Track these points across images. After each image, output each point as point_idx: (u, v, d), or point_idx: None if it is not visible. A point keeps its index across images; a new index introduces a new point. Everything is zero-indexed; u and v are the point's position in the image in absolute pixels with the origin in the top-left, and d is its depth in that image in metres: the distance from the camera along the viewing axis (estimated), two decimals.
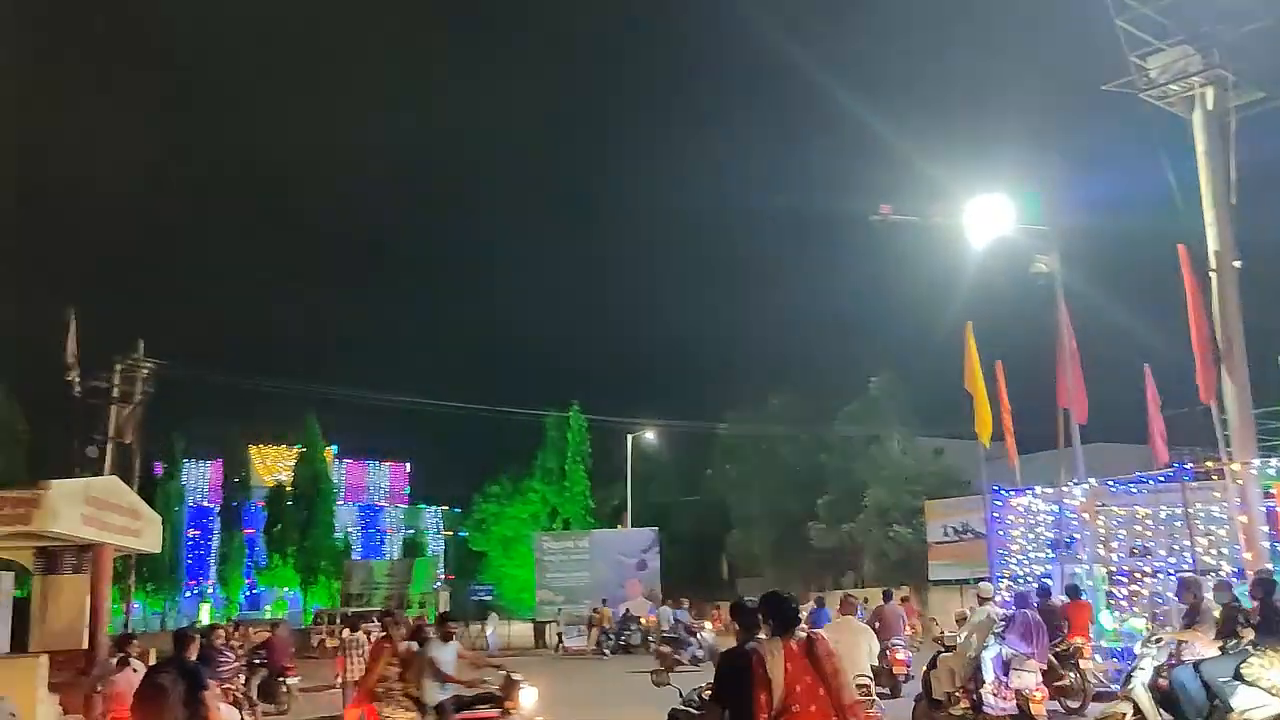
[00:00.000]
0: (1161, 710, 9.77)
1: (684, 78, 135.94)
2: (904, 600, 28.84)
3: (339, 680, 19.49)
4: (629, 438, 48.47)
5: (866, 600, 16.55)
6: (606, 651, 34.58)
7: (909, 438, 43.49)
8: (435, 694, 10.53)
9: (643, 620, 36.19)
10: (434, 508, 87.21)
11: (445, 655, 10.75)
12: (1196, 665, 9.67)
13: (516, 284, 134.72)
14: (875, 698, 10.37)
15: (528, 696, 11.19)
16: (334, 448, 68.26)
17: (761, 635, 5.58)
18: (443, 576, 62.06)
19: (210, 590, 69.93)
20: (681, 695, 9.19)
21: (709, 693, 6.69)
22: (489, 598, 57.83)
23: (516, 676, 11.34)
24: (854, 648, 10.12)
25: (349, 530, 72.75)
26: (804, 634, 5.60)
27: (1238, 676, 9.24)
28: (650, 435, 50.42)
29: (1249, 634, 9.72)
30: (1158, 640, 10.39)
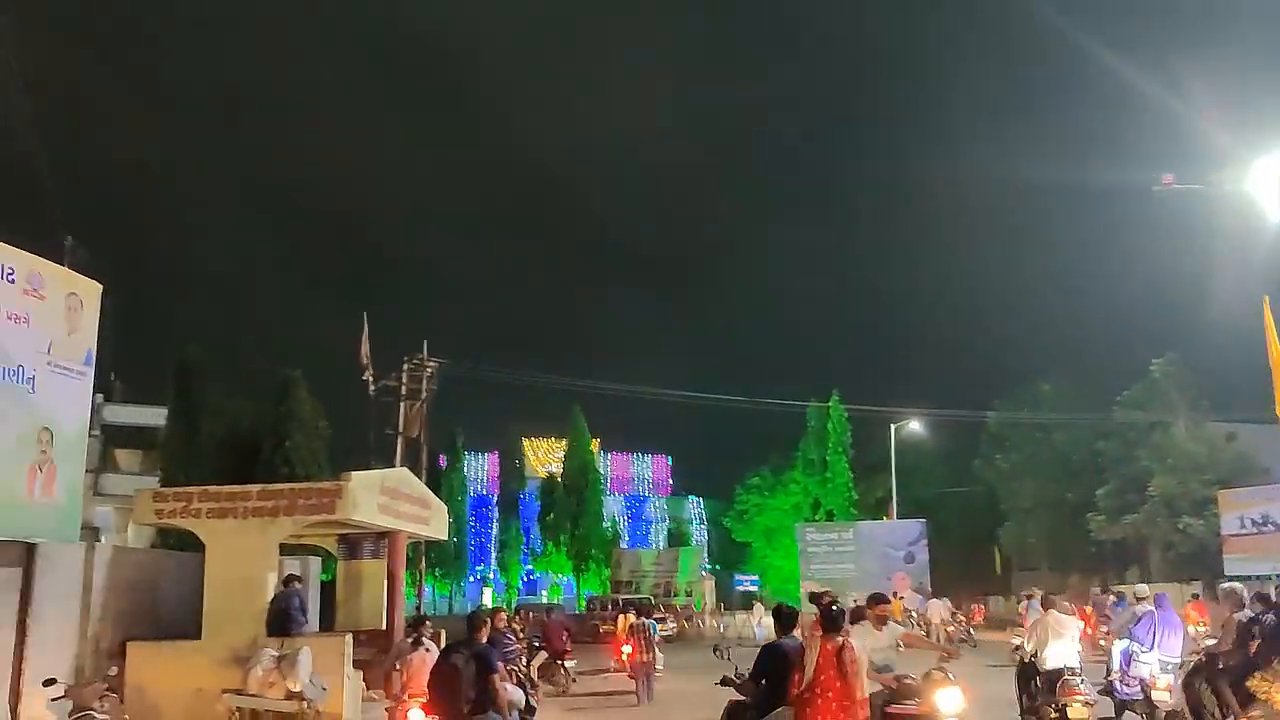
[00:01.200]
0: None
1: (942, 50, 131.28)
2: (1194, 598, 26.80)
3: (625, 663, 20.58)
4: (892, 427, 47.48)
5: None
6: None
7: (1197, 423, 40.43)
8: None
9: (913, 614, 35.44)
10: (696, 499, 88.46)
11: (880, 643, 9.92)
12: (1206, 675, 10.24)
13: (774, 273, 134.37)
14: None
15: (947, 700, 9.51)
16: (599, 440, 70.39)
17: (796, 632, 7.91)
18: (707, 566, 62.86)
19: (491, 576, 73.68)
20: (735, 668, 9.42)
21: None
22: (753, 588, 58.14)
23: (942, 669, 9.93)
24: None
25: (616, 519, 74.86)
26: (839, 639, 7.30)
27: (1243, 688, 9.66)
28: (914, 425, 49.15)
29: (1255, 645, 9.96)
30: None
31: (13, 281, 12.11)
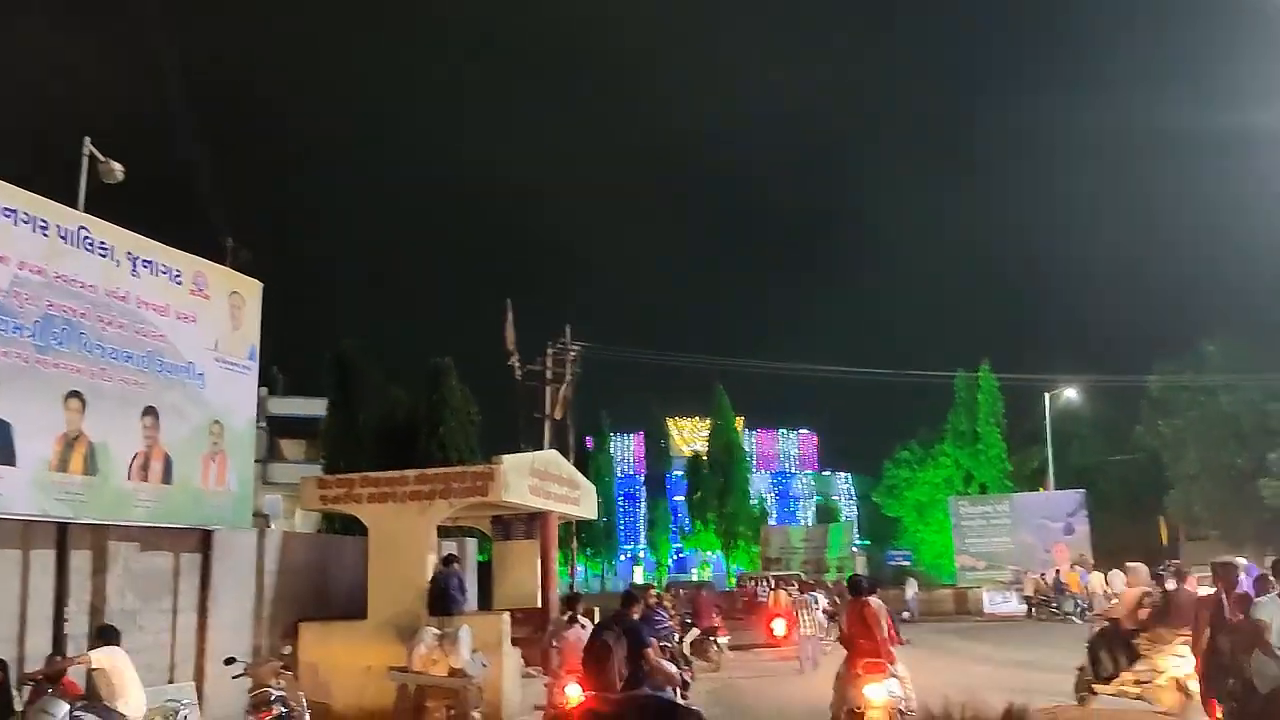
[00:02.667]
0: None
1: (1086, 5, 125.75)
2: None
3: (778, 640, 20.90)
4: (1046, 396, 45.94)
5: None
6: (1042, 616, 33.46)
7: None
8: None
9: (1068, 586, 34.39)
10: (844, 474, 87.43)
11: None
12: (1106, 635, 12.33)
13: (920, 244, 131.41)
14: None
15: None
16: (741, 418, 70.21)
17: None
18: (858, 542, 62.15)
19: (641, 554, 74.50)
20: None
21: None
22: (906, 563, 57.23)
23: None
24: None
25: (764, 496, 74.65)
26: (865, 599, 10.82)
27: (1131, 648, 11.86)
28: (1069, 392, 47.41)
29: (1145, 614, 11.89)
30: None
31: (180, 283, 12.78)
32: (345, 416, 33.94)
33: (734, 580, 50.14)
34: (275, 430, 44.56)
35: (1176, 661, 11.16)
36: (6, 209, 10.54)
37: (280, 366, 44.50)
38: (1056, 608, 33.47)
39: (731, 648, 22.22)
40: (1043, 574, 35.97)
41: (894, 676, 10.29)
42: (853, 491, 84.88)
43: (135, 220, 12.47)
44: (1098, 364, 60.38)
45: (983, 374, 51.42)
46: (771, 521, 69.30)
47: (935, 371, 51.79)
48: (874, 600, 10.88)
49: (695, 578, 59.98)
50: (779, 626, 25.03)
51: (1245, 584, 9.71)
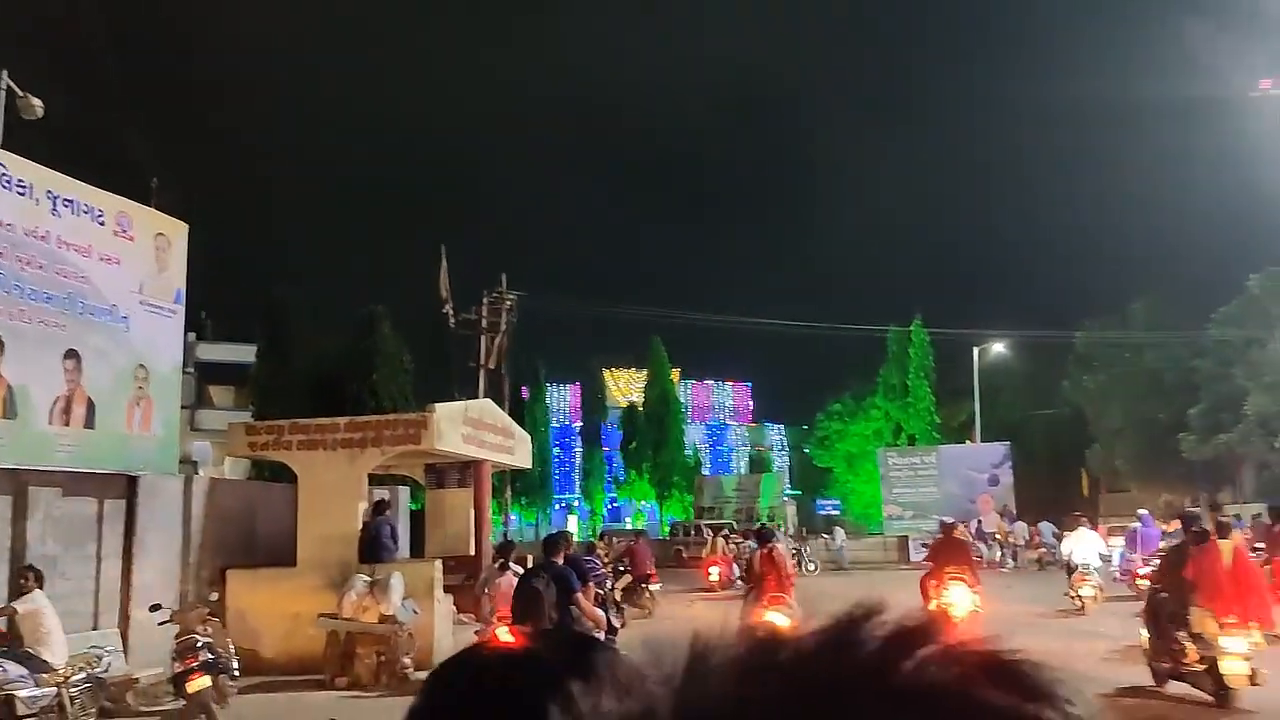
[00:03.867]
0: None
1: None
2: (1254, 518, 26.37)
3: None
4: (975, 350, 46.75)
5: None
6: None
7: None
8: None
9: (997, 535, 35.30)
10: (777, 426, 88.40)
11: None
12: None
13: (853, 197, 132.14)
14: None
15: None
16: (678, 370, 70.64)
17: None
18: (789, 491, 63.03)
19: (576, 504, 74.85)
20: None
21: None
22: (835, 512, 58.22)
23: None
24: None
25: (698, 447, 75.31)
26: (772, 545, 13.48)
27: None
28: (998, 347, 48.31)
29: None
30: None
31: (102, 224, 12.45)
32: (275, 363, 33.49)
33: (668, 529, 50.63)
34: (204, 376, 43.79)
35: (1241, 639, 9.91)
36: None
37: (209, 312, 43.67)
38: (979, 556, 34.34)
39: (667, 592, 22.53)
40: (966, 523, 36.86)
41: (790, 608, 12.36)
42: (785, 442, 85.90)
43: (56, 159, 12.11)
44: (1027, 321, 61.45)
45: (914, 328, 52.12)
46: (705, 472, 69.88)
47: (867, 326, 52.38)
48: (779, 547, 14.02)
49: (629, 526, 60.52)
50: (714, 573, 25.45)
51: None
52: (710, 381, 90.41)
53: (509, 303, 32.58)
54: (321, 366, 33.01)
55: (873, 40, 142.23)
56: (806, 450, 62.84)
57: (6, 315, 10.94)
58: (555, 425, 73.72)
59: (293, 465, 15.57)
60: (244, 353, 39.05)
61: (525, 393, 61.34)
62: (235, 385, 43.62)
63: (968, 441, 48.17)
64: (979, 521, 36.79)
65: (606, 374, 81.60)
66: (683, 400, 72.89)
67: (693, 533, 40.16)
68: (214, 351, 43.32)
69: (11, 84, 15.03)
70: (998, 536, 35.27)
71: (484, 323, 32.27)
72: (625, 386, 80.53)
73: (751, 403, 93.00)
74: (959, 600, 14.33)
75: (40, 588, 9.18)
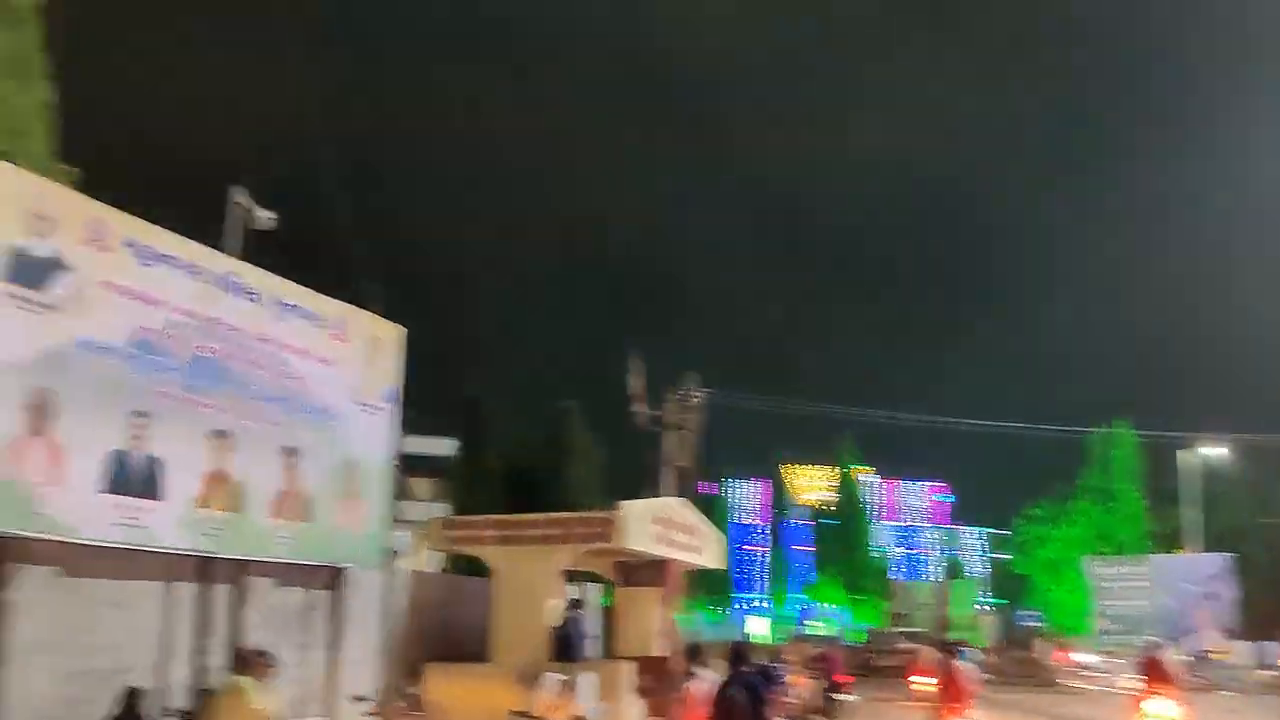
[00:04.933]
0: None
1: (1235, 51, 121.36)
2: None
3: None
4: (1177, 454, 43.93)
5: None
6: None
7: None
8: None
9: (1217, 654, 32.68)
10: (976, 529, 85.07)
11: None
12: None
13: (1051, 294, 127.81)
14: None
15: None
16: (871, 468, 69.11)
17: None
18: (987, 600, 60.23)
19: (761, 604, 73.62)
20: None
21: None
22: (1037, 623, 55.22)
23: None
24: None
25: (890, 549, 73.20)
26: (951, 660, 15.55)
27: None
28: (1212, 450, 45.26)
29: None
30: None
31: (322, 327, 13.22)
32: (472, 457, 34.61)
33: (865, 635, 48.97)
34: (405, 468, 45.60)
35: None
36: (163, 254, 11.07)
37: (412, 404, 45.57)
38: (1197, 677, 31.79)
39: (870, 700, 21.85)
40: (1178, 640, 34.25)
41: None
42: (985, 547, 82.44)
43: (282, 263, 12.98)
44: (1248, 423, 57.59)
45: (1121, 429, 49.57)
46: (897, 575, 67.70)
47: (1070, 427, 50.04)
48: (959, 662, 15.58)
49: (819, 631, 58.92)
50: (923, 682, 24.48)
51: None
52: (903, 481, 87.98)
53: (697, 399, 32.78)
54: (515, 460, 33.94)
55: (1080, 134, 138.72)
56: (1007, 556, 60.00)
57: (234, 415, 11.68)
58: (740, 522, 73.10)
59: (488, 560, 15.91)
60: (443, 445, 40.49)
61: (711, 489, 61.20)
62: (435, 477, 45.25)
63: (1178, 551, 45.14)
64: (1197, 639, 34.20)
65: (794, 470, 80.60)
66: (875, 500, 71.20)
67: (888, 640, 38.74)
68: (414, 444, 45.13)
69: (245, 198, 16.28)
70: (1218, 656, 32.64)
71: (671, 420, 32.50)
72: (811, 484, 79.24)
73: (948, 504, 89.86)
74: (1163, 712, 14.99)
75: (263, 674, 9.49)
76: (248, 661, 9.15)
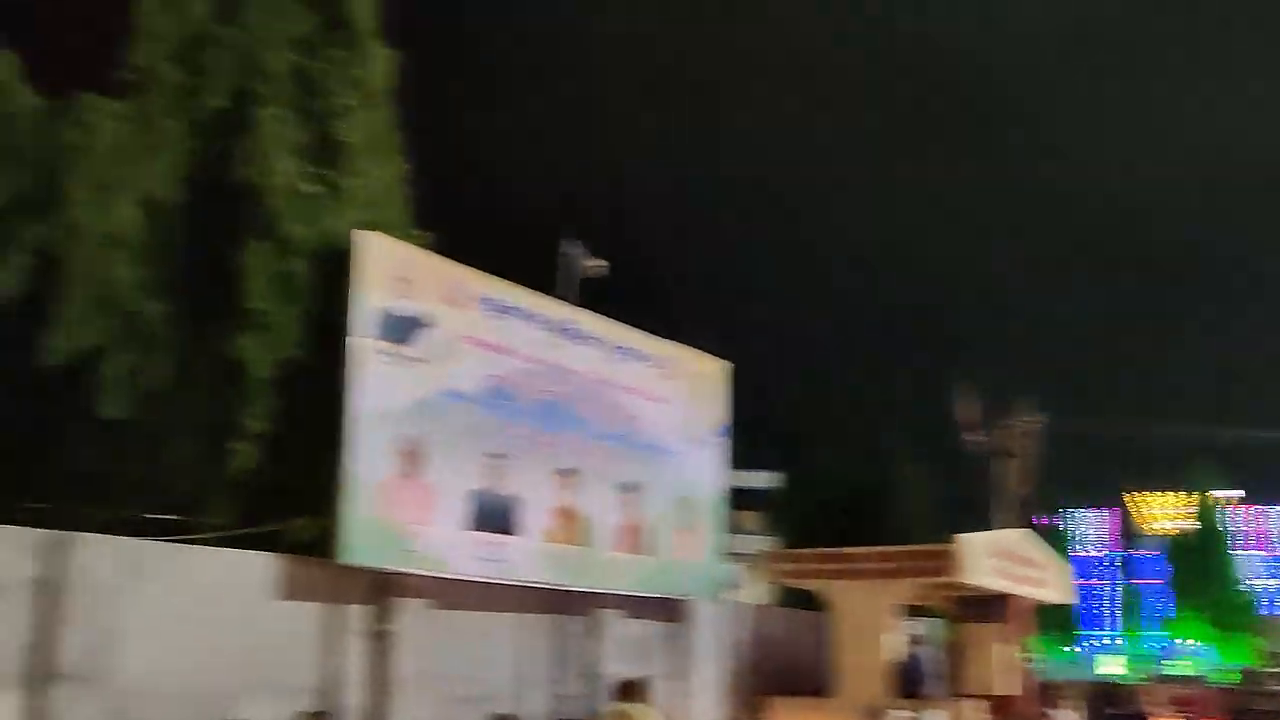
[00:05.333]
0: None
1: None
2: None
3: None
4: None
5: None
6: None
7: None
8: None
9: None
10: None
11: None
12: None
13: None
14: None
15: None
16: (1235, 493, 63.04)
17: None
18: None
19: (1112, 642, 68.54)
20: None
21: None
22: None
23: None
24: None
25: (1258, 581, 66.26)
26: None
27: None
28: None
29: None
30: None
31: (653, 367, 13.69)
32: (797, 490, 34.57)
33: (1238, 676, 44.45)
34: (734, 502, 46.10)
35: None
36: (510, 306, 11.89)
37: (735, 439, 46.12)
38: None
39: None
40: None
41: None
42: None
43: (612, 308, 13.57)
44: None
45: None
46: (1267, 610, 61.12)
47: None
48: None
49: (1182, 671, 54.08)
50: None
51: None
52: (1272, 507, 79.60)
53: (1031, 426, 31.14)
54: (841, 492, 33.53)
55: None
56: None
57: (578, 453, 12.30)
58: (1083, 554, 68.59)
59: (822, 594, 15.76)
60: (768, 479, 40.63)
61: (1048, 520, 57.91)
62: (760, 510, 45.49)
63: None
64: None
65: (1142, 498, 74.79)
66: (1238, 527, 64.85)
67: (1265, 681, 34.97)
68: (740, 478, 45.58)
69: (576, 250, 17.11)
70: None
71: (1004, 447, 31.03)
72: (1164, 511, 73.21)
73: None
74: None
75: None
76: (633, 690, 9.44)
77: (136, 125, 11.72)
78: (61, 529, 8.68)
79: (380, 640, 10.55)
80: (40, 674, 8.24)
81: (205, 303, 11.32)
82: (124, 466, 11.20)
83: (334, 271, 11.13)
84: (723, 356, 15.12)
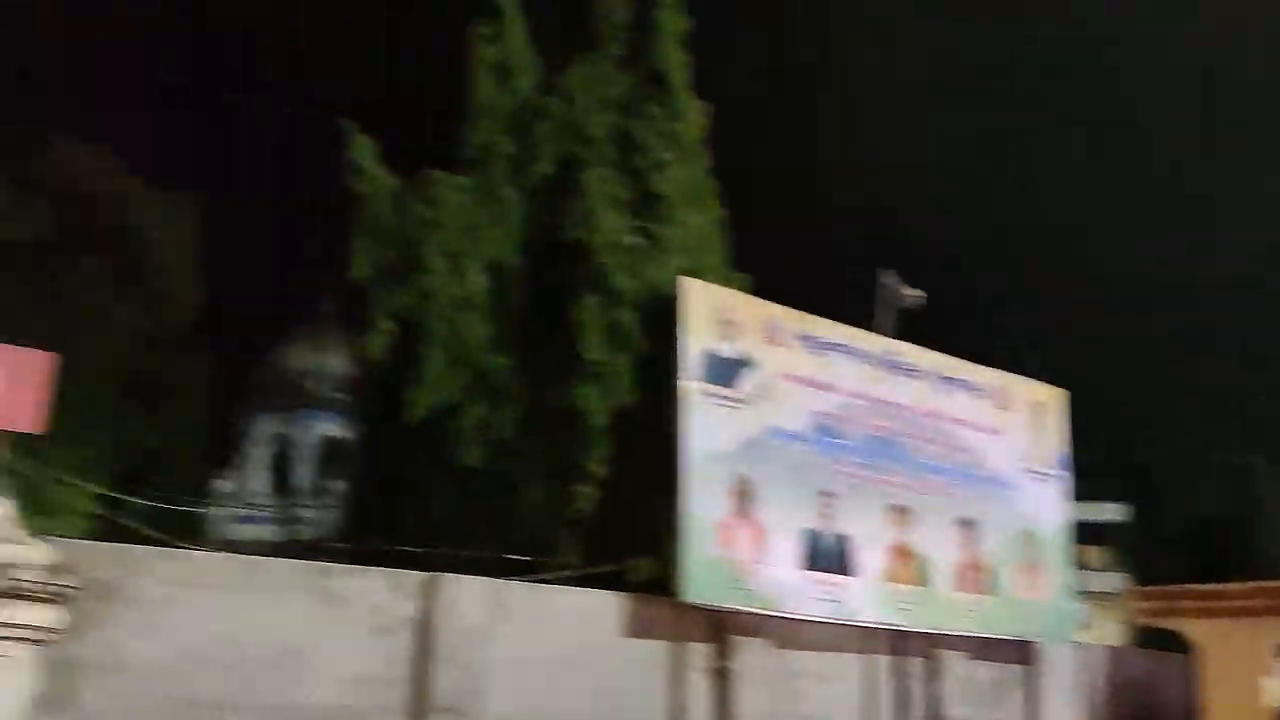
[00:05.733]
0: None
1: None
2: None
3: None
4: None
5: None
6: None
7: None
8: None
9: None
10: None
11: None
12: None
13: None
14: None
15: None
16: None
17: None
18: None
19: None
20: None
21: None
22: None
23: None
24: None
25: None
26: None
27: None
28: None
29: None
30: None
31: (985, 398, 13.20)
32: (1147, 522, 32.14)
33: None
34: (1077, 537, 43.48)
35: None
36: (830, 343, 11.88)
37: (1076, 471, 43.60)
38: None
39: None
40: None
41: None
42: None
43: (935, 340, 13.23)
44: None
45: None
46: None
47: None
48: None
49: None
50: None
51: None
52: None
53: None
54: (1196, 523, 30.91)
55: None
56: None
57: (909, 489, 12.03)
58: None
59: (1188, 634, 14.49)
60: (1110, 511, 38.05)
61: None
62: (1104, 544, 42.61)
63: None
64: None
65: None
66: None
67: None
68: (1083, 510, 42.91)
69: (892, 281, 16.84)
70: None
71: None
72: None
73: None
74: None
75: None
76: None
77: (479, 196, 12.76)
78: (428, 569, 9.45)
79: (722, 678, 10.71)
80: (418, 708, 8.96)
81: (546, 356, 12.08)
82: (479, 510, 12.12)
83: (660, 319, 11.58)
84: (1057, 385, 14.38)
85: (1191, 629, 14.36)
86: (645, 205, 12.87)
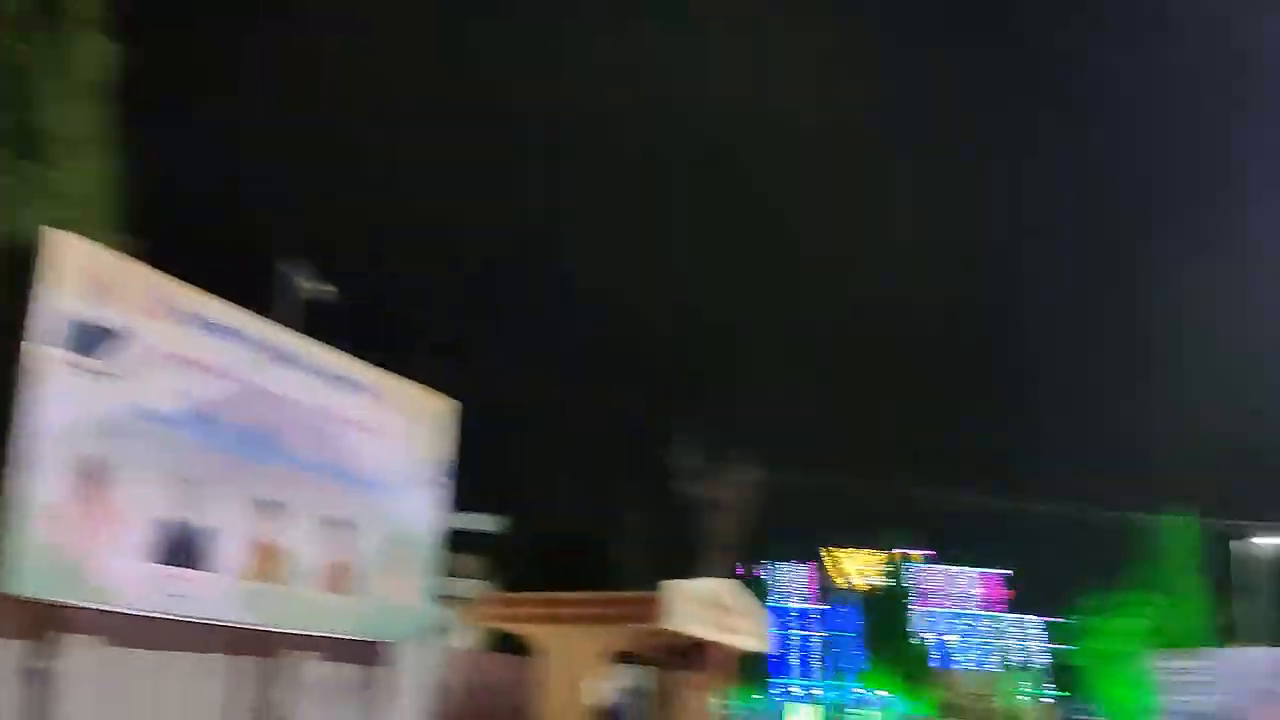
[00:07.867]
0: None
1: None
2: None
3: None
4: (1241, 544, 42.53)
5: None
6: None
7: None
8: None
9: None
10: (1034, 618, 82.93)
11: None
12: None
13: (1105, 380, 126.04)
14: None
15: None
16: (922, 553, 67.90)
17: None
18: (1048, 692, 58.43)
19: (807, 691, 71.98)
20: None
21: None
22: (1086, 718, 53.39)
23: None
24: None
25: (941, 637, 71.50)
26: None
27: None
28: (1274, 539, 43.74)
29: None
30: None
31: (373, 399, 13.22)
32: (518, 535, 34.46)
33: None
34: (451, 544, 45.36)
35: None
36: (217, 324, 11.15)
37: (458, 480, 45.52)
38: None
39: None
40: None
41: None
42: (1045, 637, 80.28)
43: (346, 339, 13.06)
44: None
45: (1178, 519, 48.14)
46: (952, 664, 66.01)
47: (1129, 512, 48.66)
48: None
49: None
50: None
51: None
52: (955, 567, 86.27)
53: (744, 481, 32.44)
54: (561, 539, 33.71)
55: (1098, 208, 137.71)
56: (1066, 647, 58.39)
57: (284, 485, 11.65)
58: (782, 605, 71.86)
59: (532, 638, 15.66)
60: (485, 522, 40.27)
61: (755, 571, 60.38)
62: (479, 554, 45.00)
63: (1238, 646, 43.52)
64: None
65: (841, 554, 79.36)
66: (925, 585, 69.86)
67: None
68: (462, 520, 44.96)
69: (298, 272, 16.46)
70: None
71: (718, 500, 32.15)
72: (858, 568, 77.89)
73: (1005, 591, 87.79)
74: None
75: None
76: None
77: None
78: None
79: (42, 679, 9.56)
80: None
81: None
82: None
83: (19, 272, 10.15)
84: (453, 396, 14.78)
85: (535, 633, 15.55)
86: (21, 140, 11.31)
